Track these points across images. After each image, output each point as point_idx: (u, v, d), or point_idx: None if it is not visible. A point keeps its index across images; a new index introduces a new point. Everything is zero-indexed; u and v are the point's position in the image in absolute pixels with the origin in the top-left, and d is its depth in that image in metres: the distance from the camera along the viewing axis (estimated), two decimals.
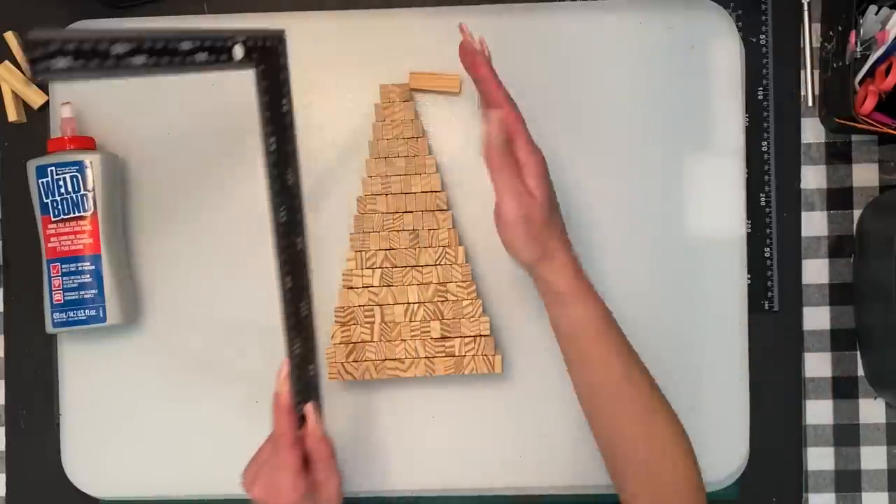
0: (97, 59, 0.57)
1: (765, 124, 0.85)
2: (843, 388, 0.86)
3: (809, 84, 0.85)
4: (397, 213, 0.81)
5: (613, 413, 0.72)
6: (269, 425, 0.71)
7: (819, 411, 0.86)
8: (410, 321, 0.80)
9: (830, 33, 0.83)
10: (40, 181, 0.80)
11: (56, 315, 0.81)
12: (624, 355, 0.71)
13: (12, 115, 0.86)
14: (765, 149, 0.85)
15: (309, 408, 0.72)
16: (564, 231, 0.73)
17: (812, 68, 0.85)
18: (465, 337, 0.80)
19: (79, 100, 0.84)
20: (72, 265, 0.80)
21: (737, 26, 0.85)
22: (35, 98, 0.86)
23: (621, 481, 0.73)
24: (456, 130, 0.85)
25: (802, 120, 0.86)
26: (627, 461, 0.72)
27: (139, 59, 0.59)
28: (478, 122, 0.84)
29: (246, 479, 0.70)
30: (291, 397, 0.71)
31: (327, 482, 0.70)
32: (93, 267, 0.80)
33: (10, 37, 0.86)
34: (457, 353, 0.80)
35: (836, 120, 0.80)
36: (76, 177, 0.80)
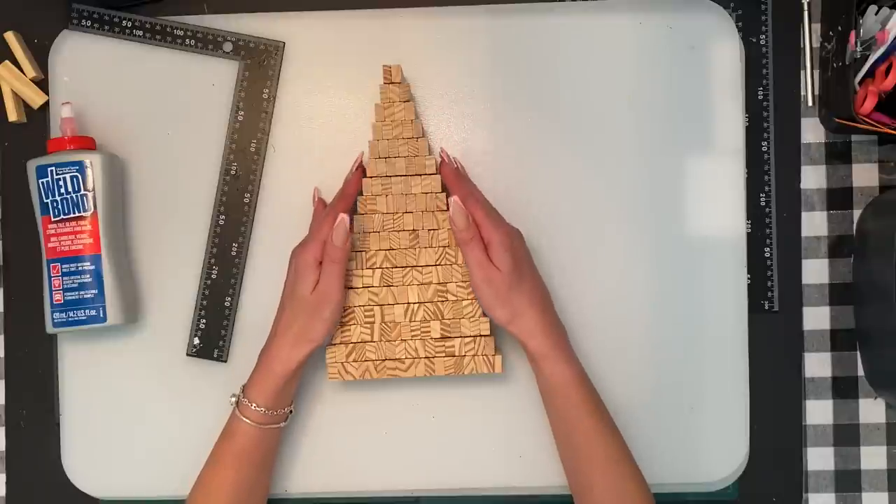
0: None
1: (765, 124, 0.85)
2: (843, 388, 0.86)
3: (809, 84, 0.85)
4: (397, 213, 0.81)
5: (583, 460, 0.77)
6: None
7: (819, 411, 0.86)
8: (410, 321, 0.80)
9: (830, 33, 0.83)
10: (40, 181, 0.80)
11: (56, 315, 0.81)
12: (593, 413, 0.77)
13: (12, 115, 0.86)
14: (765, 149, 0.85)
15: (343, 216, 0.76)
16: (540, 297, 0.78)
17: (812, 68, 0.85)
18: (465, 337, 0.80)
19: (79, 100, 0.84)
20: (72, 265, 0.80)
21: (737, 26, 0.85)
22: (35, 98, 0.86)
23: None
24: (456, 131, 0.85)
25: (802, 120, 0.86)
26: None
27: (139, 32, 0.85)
28: (477, 124, 0.84)
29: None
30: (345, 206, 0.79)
31: (329, 288, 0.76)
32: (93, 267, 0.80)
33: (10, 37, 0.86)
34: (457, 353, 0.80)
35: (836, 120, 0.80)
36: (76, 177, 0.80)
